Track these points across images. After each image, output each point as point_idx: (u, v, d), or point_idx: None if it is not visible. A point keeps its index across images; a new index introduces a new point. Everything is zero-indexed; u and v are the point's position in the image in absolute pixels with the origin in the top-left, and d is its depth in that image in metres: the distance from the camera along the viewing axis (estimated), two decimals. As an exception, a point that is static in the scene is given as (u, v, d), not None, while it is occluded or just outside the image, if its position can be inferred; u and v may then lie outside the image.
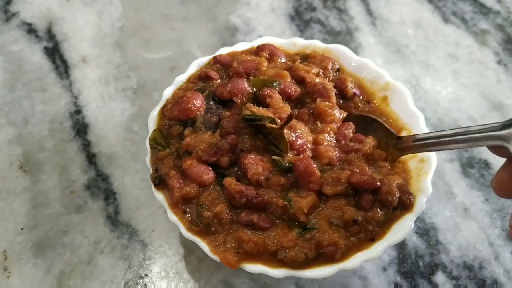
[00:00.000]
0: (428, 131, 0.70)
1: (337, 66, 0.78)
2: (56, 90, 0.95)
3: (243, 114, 0.65)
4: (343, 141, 0.70)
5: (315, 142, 0.68)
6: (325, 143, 0.68)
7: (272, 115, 0.65)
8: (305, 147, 0.66)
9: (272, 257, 0.60)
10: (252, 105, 0.68)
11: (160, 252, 0.76)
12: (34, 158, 0.85)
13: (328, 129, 0.69)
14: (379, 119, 0.73)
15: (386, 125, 0.72)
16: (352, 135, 0.71)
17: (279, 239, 0.60)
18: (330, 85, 0.73)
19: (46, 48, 1.02)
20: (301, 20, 1.08)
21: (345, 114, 0.73)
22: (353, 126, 0.72)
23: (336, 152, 0.67)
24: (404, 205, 0.62)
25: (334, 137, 0.70)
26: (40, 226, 0.78)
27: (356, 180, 0.61)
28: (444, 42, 1.05)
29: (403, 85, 0.76)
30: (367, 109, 0.75)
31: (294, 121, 0.67)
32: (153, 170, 0.67)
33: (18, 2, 1.10)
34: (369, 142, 0.69)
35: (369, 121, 0.73)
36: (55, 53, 1.01)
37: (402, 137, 0.68)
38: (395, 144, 0.68)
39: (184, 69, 0.79)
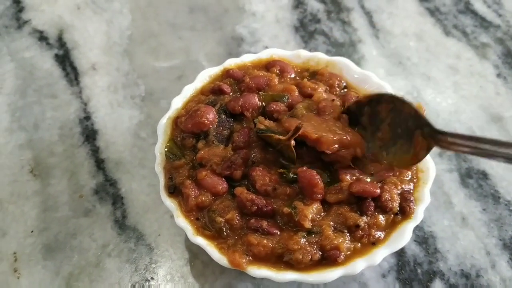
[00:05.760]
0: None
1: (344, 84, 0.81)
2: (66, 96, 0.98)
3: (257, 128, 0.69)
4: None
5: None
6: None
7: (282, 129, 0.69)
8: None
9: (279, 260, 0.63)
10: (264, 119, 0.71)
11: (166, 256, 0.78)
12: (44, 162, 0.88)
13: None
14: (404, 100, 0.64)
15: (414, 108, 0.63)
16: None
17: (285, 242, 0.63)
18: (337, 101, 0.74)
19: (56, 55, 1.05)
20: (305, 31, 1.11)
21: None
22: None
23: None
24: (405, 211, 0.66)
25: None
26: (50, 229, 0.80)
27: (356, 189, 0.64)
28: (445, 55, 1.07)
29: (404, 97, 0.78)
30: None
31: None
32: (167, 179, 0.70)
33: (30, 10, 1.13)
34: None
35: (386, 100, 0.66)
36: (65, 60, 1.04)
37: (442, 131, 0.59)
38: (432, 134, 0.60)
39: (191, 77, 0.81)
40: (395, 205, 0.65)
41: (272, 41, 1.08)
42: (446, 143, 0.59)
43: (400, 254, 0.78)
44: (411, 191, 0.68)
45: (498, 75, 1.03)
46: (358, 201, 0.66)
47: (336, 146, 0.66)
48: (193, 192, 0.67)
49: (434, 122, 0.94)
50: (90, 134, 0.92)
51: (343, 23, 1.13)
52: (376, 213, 0.65)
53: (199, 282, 0.75)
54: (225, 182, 0.68)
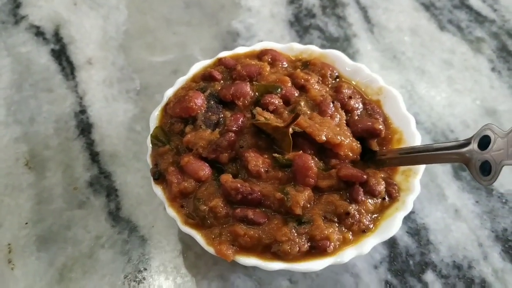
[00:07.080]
0: (418, 135, 0.73)
1: (336, 74, 0.81)
2: (62, 90, 0.98)
3: (257, 119, 0.69)
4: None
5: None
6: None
7: (281, 121, 0.69)
8: None
9: (266, 250, 0.63)
10: (261, 110, 0.71)
11: (159, 248, 0.78)
12: (40, 155, 0.88)
13: None
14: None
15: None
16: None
17: (273, 233, 0.63)
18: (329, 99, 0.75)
19: (53, 50, 1.05)
20: (300, 26, 1.11)
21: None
22: None
23: None
24: (391, 194, 0.67)
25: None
26: (44, 220, 0.81)
27: (343, 173, 0.65)
28: (440, 49, 1.07)
29: (397, 90, 0.79)
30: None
31: None
32: (153, 165, 0.70)
33: (27, 6, 1.14)
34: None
35: None
36: (61, 55, 1.04)
37: (377, 151, 0.73)
38: (370, 158, 0.73)
39: (186, 72, 0.82)
40: (382, 188, 0.65)
41: (267, 36, 1.09)
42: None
43: (392, 245, 0.78)
44: (389, 176, 0.70)
45: (493, 69, 1.03)
46: (347, 187, 0.66)
47: (349, 152, 0.69)
48: (176, 179, 0.66)
49: (428, 116, 0.94)
50: (85, 128, 0.92)
51: (338, 18, 1.13)
52: (365, 199, 0.65)
53: (192, 273, 0.75)
54: (208, 167, 0.67)
